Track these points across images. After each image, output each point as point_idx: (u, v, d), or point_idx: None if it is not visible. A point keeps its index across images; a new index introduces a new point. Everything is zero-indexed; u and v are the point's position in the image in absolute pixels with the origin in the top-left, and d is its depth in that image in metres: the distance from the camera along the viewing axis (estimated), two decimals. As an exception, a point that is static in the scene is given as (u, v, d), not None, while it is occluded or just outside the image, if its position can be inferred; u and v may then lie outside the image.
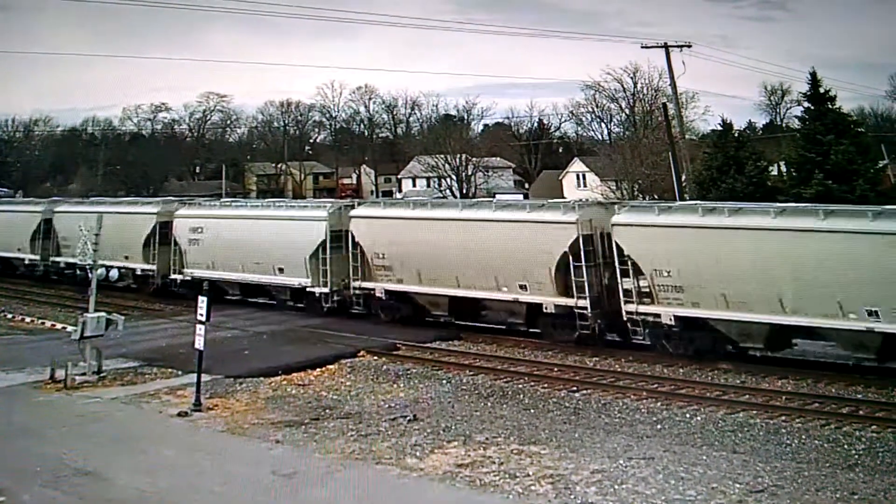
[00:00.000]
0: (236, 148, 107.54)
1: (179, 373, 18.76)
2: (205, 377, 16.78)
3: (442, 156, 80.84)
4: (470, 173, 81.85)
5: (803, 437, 14.12)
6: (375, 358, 20.81)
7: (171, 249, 31.04)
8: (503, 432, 14.33)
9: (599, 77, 75.00)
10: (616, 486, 11.48)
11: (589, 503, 10.99)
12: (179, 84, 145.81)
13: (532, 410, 16.16)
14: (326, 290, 26.19)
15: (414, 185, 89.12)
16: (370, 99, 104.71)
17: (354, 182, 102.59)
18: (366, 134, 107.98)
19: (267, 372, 18.98)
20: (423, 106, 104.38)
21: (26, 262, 38.09)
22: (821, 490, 11.40)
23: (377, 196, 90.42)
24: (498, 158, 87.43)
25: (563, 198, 59.05)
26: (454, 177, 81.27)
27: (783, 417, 15.24)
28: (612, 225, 20.75)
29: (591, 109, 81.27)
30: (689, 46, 36.38)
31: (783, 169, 43.54)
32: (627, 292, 20.41)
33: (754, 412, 15.58)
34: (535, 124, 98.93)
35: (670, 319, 19.72)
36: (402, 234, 24.69)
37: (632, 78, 68.78)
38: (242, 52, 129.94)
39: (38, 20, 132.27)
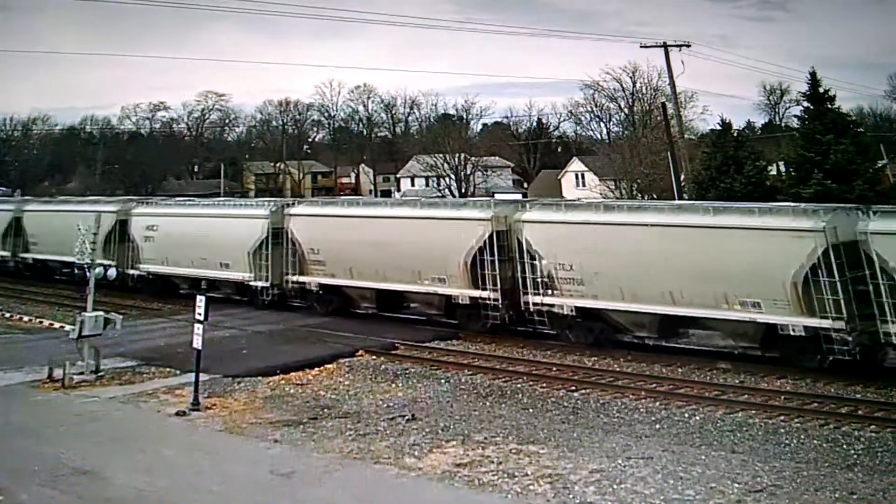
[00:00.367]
0: (235, 147, 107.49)
1: (177, 372, 18.75)
2: (203, 376, 16.75)
3: (441, 155, 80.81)
4: (469, 173, 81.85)
5: (802, 436, 14.12)
6: (374, 357, 20.82)
7: (128, 246, 32.39)
8: (502, 432, 14.33)
9: (598, 76, 74.88)
10: (615, 486, 11.48)
11: (587, 503, 10.99)
12: (178, 83, 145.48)
13: (530, 410, 16.16)
14: (266, 284, 27.96)
15: (413, 185, 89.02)
16: (369, 98, 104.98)
17: (353, 181, 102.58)
18: (364, 133, 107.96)
19: (265, 371, 18.97)
20: (421, 105, 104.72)
21: None
22: (820, 490, 11.40)
23: (376, 195, 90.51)
24: (497, 158, 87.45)
25: (563, 197, 59.09)
26: (453, 176, 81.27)
27: (782, 417, 15.25)
28: (520, 222, 22.14)
29: (589, 109, 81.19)
30: (688, 46, 36.55)
31: (782, 169, 43.50)
32: (535, 284, 21.71)
33: (753, 412, 15.59)
34: (534, 124, 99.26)
35: (571, 310, 21.19)
36: (334, 232, 26.51)
37: (631, 77, 68.81)
38: (241, 51, 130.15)
39: (38, 20, 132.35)
